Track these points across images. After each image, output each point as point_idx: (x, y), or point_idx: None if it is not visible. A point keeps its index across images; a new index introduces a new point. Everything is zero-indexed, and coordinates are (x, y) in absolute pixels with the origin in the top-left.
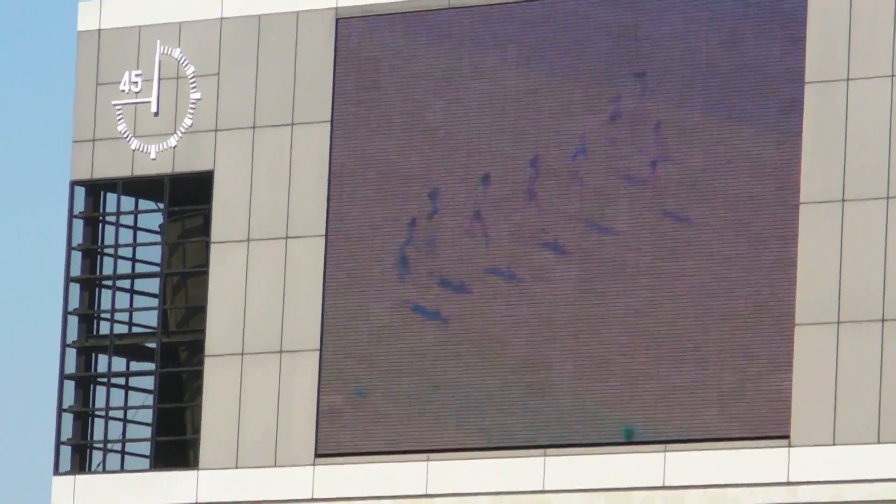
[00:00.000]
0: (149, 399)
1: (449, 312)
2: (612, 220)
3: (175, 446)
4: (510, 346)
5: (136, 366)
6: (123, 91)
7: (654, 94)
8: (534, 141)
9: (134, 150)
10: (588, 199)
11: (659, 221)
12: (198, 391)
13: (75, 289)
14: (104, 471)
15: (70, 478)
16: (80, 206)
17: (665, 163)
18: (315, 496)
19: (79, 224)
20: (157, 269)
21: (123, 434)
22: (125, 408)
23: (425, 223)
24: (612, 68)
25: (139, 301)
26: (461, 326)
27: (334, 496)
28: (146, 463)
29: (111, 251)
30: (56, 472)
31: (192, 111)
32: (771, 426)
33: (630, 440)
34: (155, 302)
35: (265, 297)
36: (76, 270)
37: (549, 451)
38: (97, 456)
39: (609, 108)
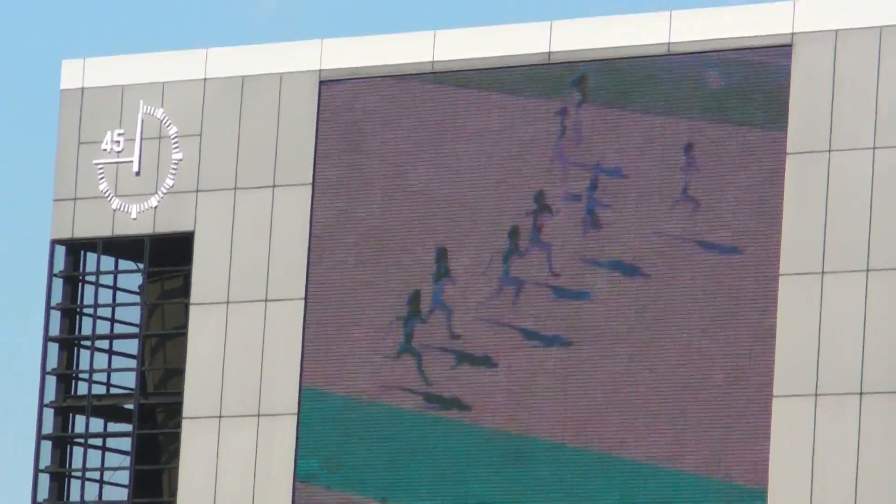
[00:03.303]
0: (126, 460)
1: (426, 377)
2: (592, 287)
3: None
4: (488, 413)
5: (113, 427)
6: (105, 150)
7: (635, 160)
8: (514, 206)
9: (115, 210)
10: (568, 267)
11: (638, 290)
12: (175, 453)
13: (54, 348)
14: None
15: None
16: (60, 265)
17: (646, 231)
18: None
19: (58, 283)
20: (135, 329)
21: (100, 495)
22: (102, 469)
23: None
24: (594, 134)
25: (117, 362)
26: (440, 392)
27: None
28: None
29: (90, 311)
30: None
31: (173, 171)
32: (748, 497)
33: None
34: (133, 363)
35: (244, 359)
36: (55, 330)
37: None
38: None
39: (590, 173)
